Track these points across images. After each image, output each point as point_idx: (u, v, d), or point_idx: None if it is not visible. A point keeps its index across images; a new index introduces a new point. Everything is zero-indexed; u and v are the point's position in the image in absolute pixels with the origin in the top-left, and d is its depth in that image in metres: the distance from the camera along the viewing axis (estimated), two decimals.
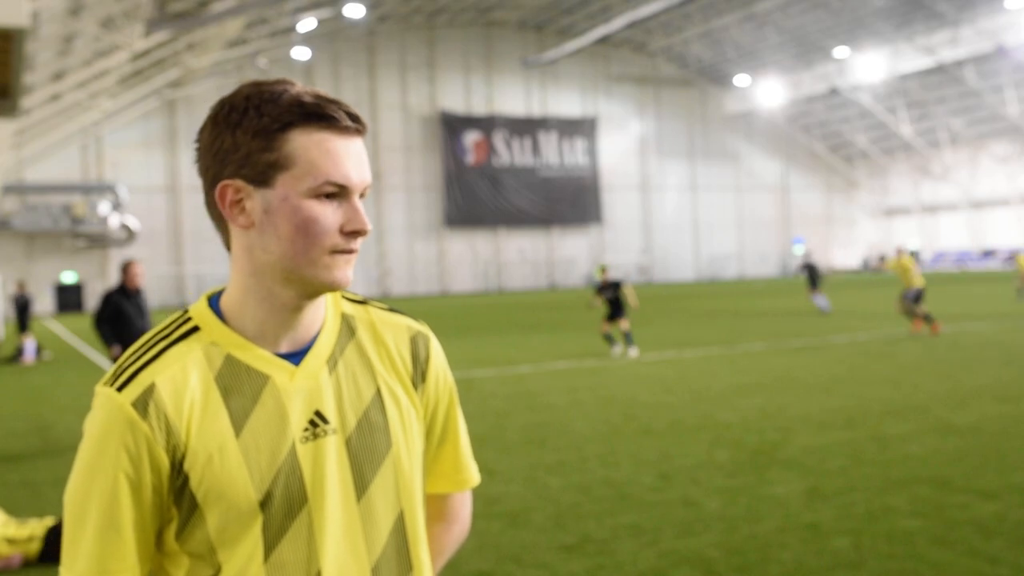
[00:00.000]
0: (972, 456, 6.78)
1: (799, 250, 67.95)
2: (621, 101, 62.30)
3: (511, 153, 58.00)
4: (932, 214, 66.05)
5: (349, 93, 53.77)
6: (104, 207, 45.85)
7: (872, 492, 5.88)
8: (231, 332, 1.26)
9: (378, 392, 1.32)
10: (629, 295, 15.90)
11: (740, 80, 62.00)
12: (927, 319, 16.53)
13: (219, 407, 1.22)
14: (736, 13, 53.27)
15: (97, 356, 18.36)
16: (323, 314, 1.32)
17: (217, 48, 40.05)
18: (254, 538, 1.22)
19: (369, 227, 1.24)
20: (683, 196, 64.57)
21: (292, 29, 44.91)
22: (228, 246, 1.29)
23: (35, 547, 5.19)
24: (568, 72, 59.71)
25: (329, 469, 1.26)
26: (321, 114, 1.21)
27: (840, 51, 54.86)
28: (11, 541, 5.18)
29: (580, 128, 60.22)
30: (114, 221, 45.72)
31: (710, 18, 54.29)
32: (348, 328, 1.34)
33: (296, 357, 1.28)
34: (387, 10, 51.73)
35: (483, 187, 56.94)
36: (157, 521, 1.23)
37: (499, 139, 57.61)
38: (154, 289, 48.83)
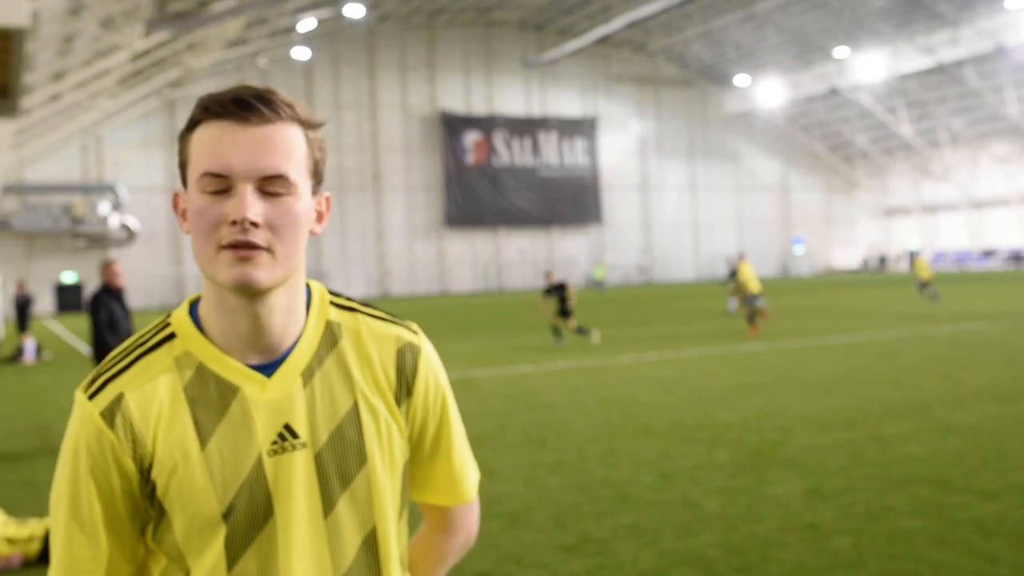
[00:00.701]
0: (972, 456, 6.78)
1: (799, 250, 68.02)
2: (621, 101, 62.32)
3: (511, 153, 58.00)
4: (932, 214, 66.06)
5: (349, 93, 53.83)
6: (104, 207, 45.85)
7: (872, 492, 5.87)
8: (205, 341, 1.25)
9: (355, 406, 1.28)
10: (572, 296, 17.53)
11: (740, 80, 62.01)
12: (750, 319, 18.29)
13: (186, 418, 1.22)
14: (736, 13, 53.27)
15: None
16: (302, 322, 1.28)
17: (217, 48, 40.05)
18: (217, 548, 1.22)
19: (245, 214, 1.14)
20: (683, 196, 64.58)
21: (292, 29, 44.92)
22: None
23: (35, 547, 5.19)
24: (568, 72, 59.72)
25: (296, 484, 1.24)
26: (213, 108, 1.19)
27: (840, 51, 54.86)
28: (11, 541, 5.18)
29: (580, 128, 60.23)
30: (114, 221, 45.73)
31: (710, 18, 54.30)
32: (331, 337, 1.30)
33: (270, 368, 1.25)
34: (387, 10, 51.74)
35: (483, 187, 56.95)
36: (137, 521, 1.25)
37: (499, 139, 57.61)
38: (154, 289, 48.88)
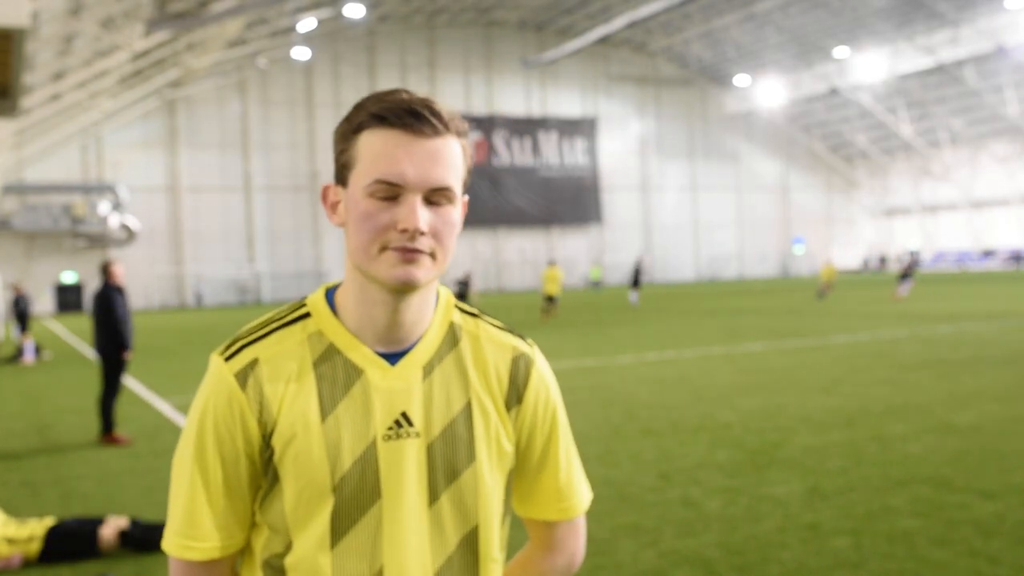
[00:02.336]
0: (972, 456, 6.78)
1: (799, 250, 68.04)
2: (621, 101, 62.31)
3: (511, 153, 58.00)
4: (932, 214, 66.07)
5: (349, 93, 53.81)
6: (104, 207, 45.86)
7: (872, 492, 5.87)
8: (337, 324, 1.32)
9: (468, 405, 1.33)
10: (473, 297, 22.25)
11: (740, 80, 62.02)
12: (545, 311, 24.35)
13: (311, 391, 1.28)
14: (736, 13, 53.27)
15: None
16: (428, 320, 1.34)
17: (217, 48, 40.05)
18: (323, 523, 1.27)
19: (418, 225, 1.21)
20: (683, 196, 64.59)
21: (292, 29, 44.92)
22: None
23: (35, 547, 5.19)
24: (568, 72, 59.72)
25: (406, 471, 1.29)
26: (386, 116, 1.24)
27: (840, 51, 54.87)
28: (11, 541, 5.18)
29: (580, 128, 60.23)
30: (114, 221, 45.72)
31: (710, 18, 54.29)
32: (452, 337, 1.36)
33: (394, 358, 1.31)
34: (387, 10, 51.74)
35: (483, 187, 56.94)
36: (253, 488, 1.30)
37: (499, 139, 57.62)
38: (154, 289, 48.86)
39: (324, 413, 1.27)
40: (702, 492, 6.04)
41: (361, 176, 1.25)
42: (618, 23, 45.47)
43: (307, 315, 1.33)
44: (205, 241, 50.12)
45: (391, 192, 1.23)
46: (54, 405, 11.83)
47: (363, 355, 1.30)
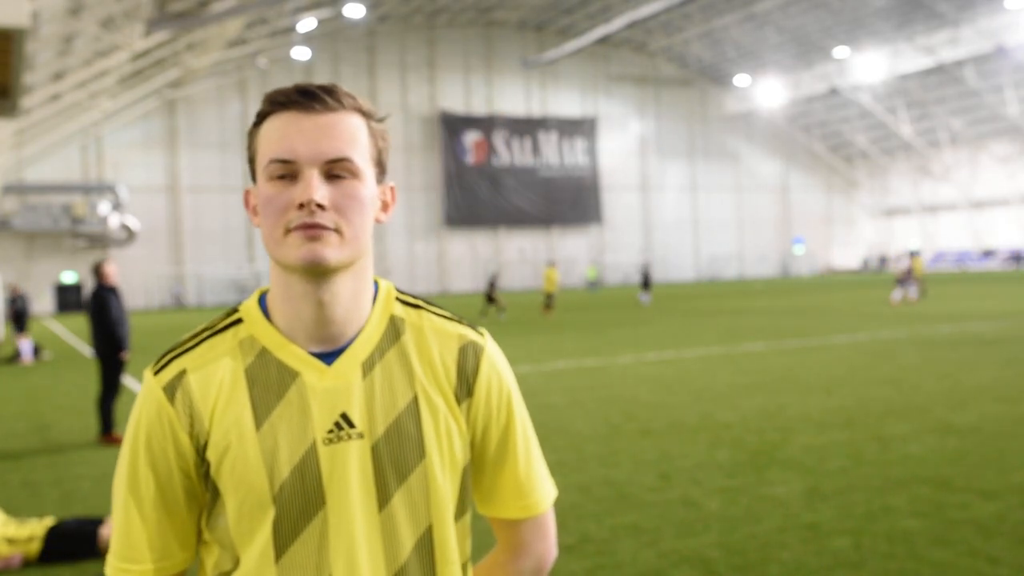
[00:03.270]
0: (972, 456, 6.78)
1: (799, 250, 68.06)
2: (621, 101, 62.32)
3: (511, 153, 58.01)
4: (932, 214, 66.07)
5: None
6: (104, 207, 45.84)
7: (872, 492, 5.87)
8: (270, 327, 1.27)
9: (415, 400, 1.27)
10: (499, 297, 27.10)
11: (740, 80, 62.03)
12: (546, 307, 26.73)
13: (243, 398, 1.23)
14: (736, 13, 53.28)
15: None
16: (366, 314, 1.28)
17: (217, 48, 40.05)
18: (266, 535, 1.21)
19: (312, 196, 1.17)
20: (683, 196, 64.60)
21: (292, 29, 44.92)
22: None
23: (35, 547, 5.19)
24: (568, 72, 59.73)
25: (351, 474, 1.22)
26: (278, 100, 1.22)
27: (840, 51, 54.88)
28: (11, 541, 5.18)
29: (580, 128, 60.25)
30: (114, 221, 45.71)
31: (710, 18, 54.30)
32: (394, 331, 1.30)
33: (331, 357, 1.25)
34: (387, 10, 51.74)
35: (483, 187, 56.96)
36: (193, 505, 1.26)
37: (499, 139, 57.62)
38: (154, 289, 48.86)
39: (259, 420, 1.22)
40: (702, 492, 6.04)
41: (262, 163, 1.22)
42: (618, 23, 45.48)
43: (239, 321, 1.28)
44: (205, 241, 50.13)
45: (287, 170, 1.19)
46: (54, 405, 11.83)
47: (297, 357, 1.24)
